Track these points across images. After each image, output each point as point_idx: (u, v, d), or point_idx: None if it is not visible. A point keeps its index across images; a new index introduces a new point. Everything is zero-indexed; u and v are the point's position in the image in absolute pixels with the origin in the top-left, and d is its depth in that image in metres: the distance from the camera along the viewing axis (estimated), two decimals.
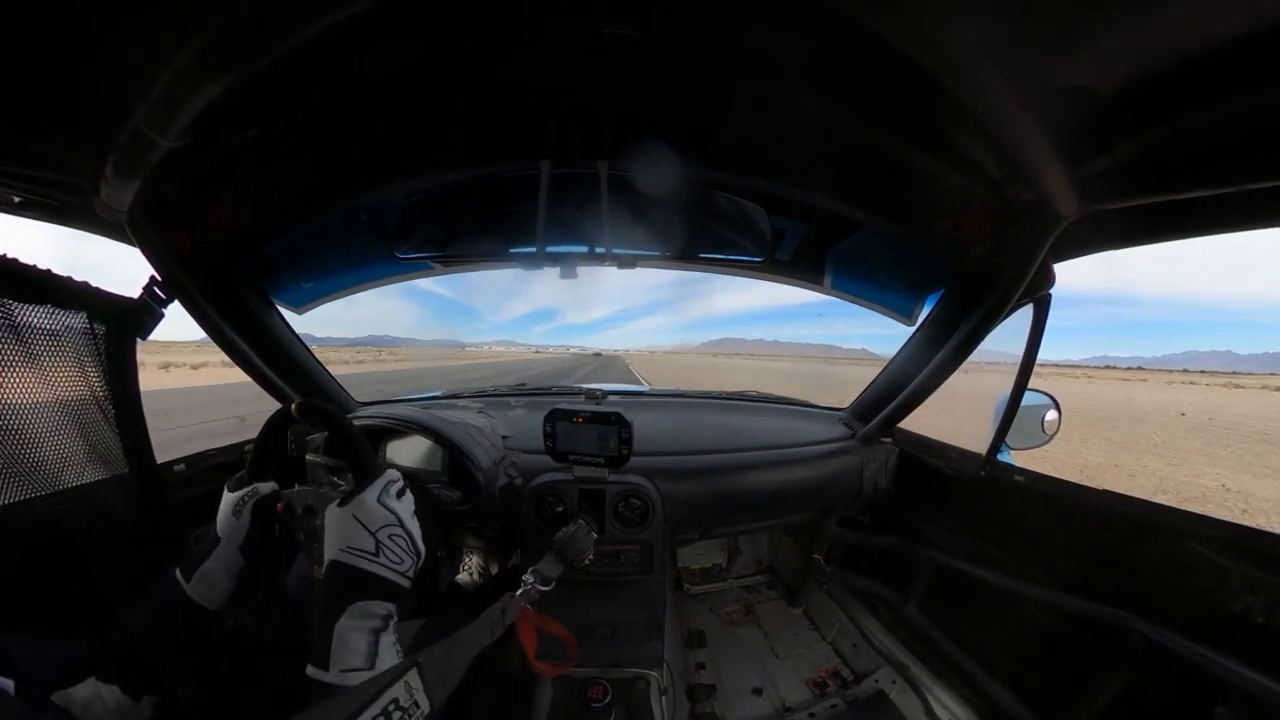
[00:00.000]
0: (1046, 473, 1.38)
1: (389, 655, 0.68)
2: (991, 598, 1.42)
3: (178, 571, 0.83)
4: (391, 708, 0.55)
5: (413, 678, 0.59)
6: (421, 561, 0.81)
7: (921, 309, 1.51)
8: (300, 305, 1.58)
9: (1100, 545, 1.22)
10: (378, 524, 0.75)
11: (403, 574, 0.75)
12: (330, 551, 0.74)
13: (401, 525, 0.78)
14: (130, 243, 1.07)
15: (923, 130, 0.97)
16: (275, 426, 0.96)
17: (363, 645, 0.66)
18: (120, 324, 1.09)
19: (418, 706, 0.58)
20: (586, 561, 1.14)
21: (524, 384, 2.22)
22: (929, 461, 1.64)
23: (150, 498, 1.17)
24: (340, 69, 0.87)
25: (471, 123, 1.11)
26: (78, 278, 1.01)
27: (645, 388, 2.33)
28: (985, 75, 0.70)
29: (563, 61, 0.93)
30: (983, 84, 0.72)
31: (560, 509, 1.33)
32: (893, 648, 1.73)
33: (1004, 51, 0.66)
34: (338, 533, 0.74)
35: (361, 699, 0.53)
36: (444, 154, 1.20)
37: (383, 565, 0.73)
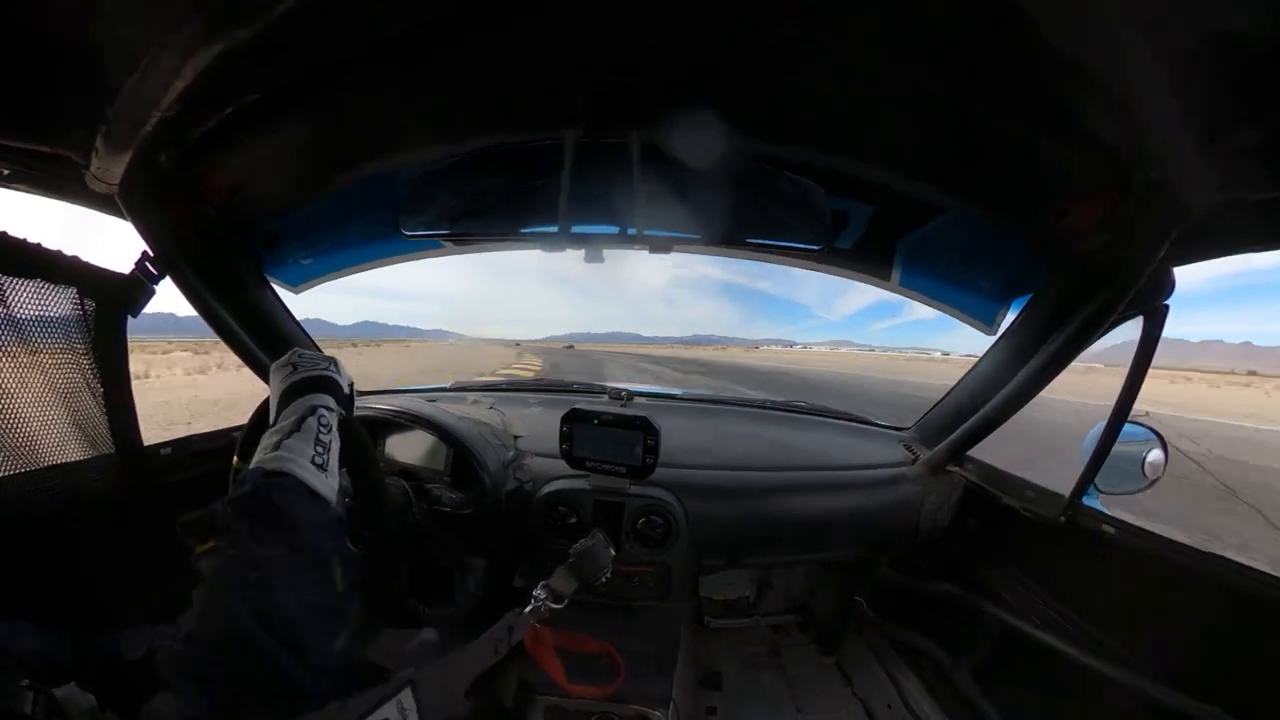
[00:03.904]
0: None
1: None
2: (1060, 672, 1.20)
3: None
4: None
5: (405, 698, 0.56)
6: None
7: (1005, 316, 1.32)
8: (297, 284, 1.52)
9: (1204, 623, 1.01)
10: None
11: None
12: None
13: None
14: (123, 216, 1.06)
15: (1024, 93, 0.81)
16: (263, 418, 0.89)
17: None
18: (111, 300, 1.08)
19: None
20: (603, 580, 1.06)
21: (541, 378, 2.12)
22: (1001, 500, 1.42)
23: (135, 480, 1.16)
24: (347, 26, 0.79)
25: (489, 85, 1.01)
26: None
27: (677, 390, 2.21)
28: (1105, 19, 0.56)
29: (596, 10, 0.83)
30: (1100, 31, 0.57)
31: (573, 520, 1.25)
32: (934, 716, 1.53)
33: None
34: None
35: (348, 718, 0.50)
36: (458, 121, 1.11)
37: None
